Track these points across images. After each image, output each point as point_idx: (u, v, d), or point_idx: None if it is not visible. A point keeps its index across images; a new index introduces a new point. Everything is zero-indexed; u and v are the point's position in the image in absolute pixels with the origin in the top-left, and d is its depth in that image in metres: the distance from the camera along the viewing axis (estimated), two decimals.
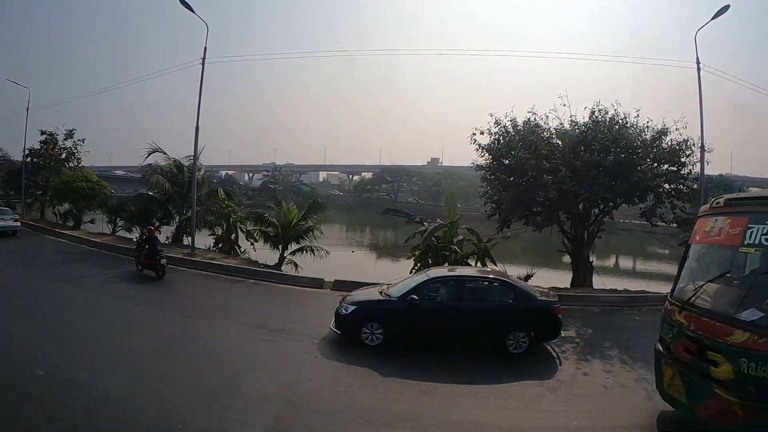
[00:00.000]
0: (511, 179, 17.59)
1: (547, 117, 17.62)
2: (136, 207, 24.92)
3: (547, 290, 11.90)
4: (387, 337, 10.32)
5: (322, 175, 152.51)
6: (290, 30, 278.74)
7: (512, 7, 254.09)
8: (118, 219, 26.80)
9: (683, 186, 17.39)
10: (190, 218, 21.44)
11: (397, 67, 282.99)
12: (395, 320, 10.39)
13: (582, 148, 16.68)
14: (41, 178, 37.72)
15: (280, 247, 20.85)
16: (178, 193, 23.52)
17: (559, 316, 10.50)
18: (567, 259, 19.51)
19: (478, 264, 18.21)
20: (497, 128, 17.68)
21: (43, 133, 36.88)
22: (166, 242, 23.94)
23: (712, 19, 18.35)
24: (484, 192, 18.77)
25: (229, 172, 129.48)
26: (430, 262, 17.94)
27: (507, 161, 17.41)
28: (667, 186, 17.43)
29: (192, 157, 23.07)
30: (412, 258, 19.09)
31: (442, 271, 12.67)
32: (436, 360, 9.83)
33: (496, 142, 17.62)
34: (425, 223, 19.71)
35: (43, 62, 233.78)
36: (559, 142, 17.49)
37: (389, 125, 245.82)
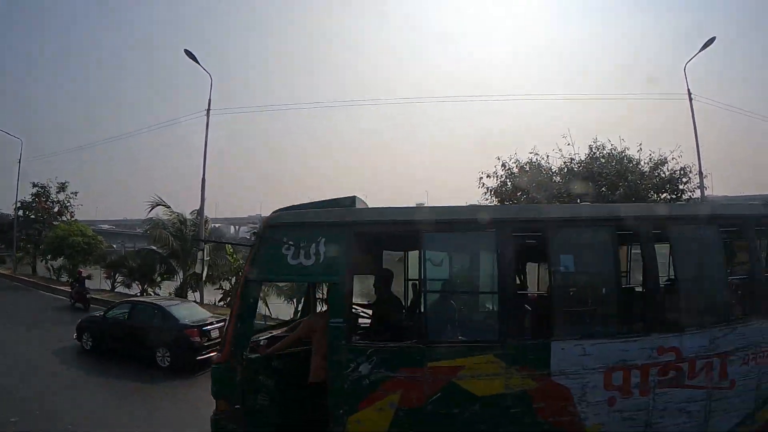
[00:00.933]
0: None
1: (548, 156, 17.93)
2: (137, 262, 24.19)
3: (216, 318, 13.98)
4: (95, 344, 13.62)
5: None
6: (269, 80, 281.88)
7: (500, 45, 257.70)
8: (117, 275, 25.98)
9: None
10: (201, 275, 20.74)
11: (377, 113, 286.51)
12: (97, 332, 13.72)
13: (590, 184, 16.66)
14: (33, 232, 36.76)
15: (295, 300, 20.12)
16: (182, 248, 22.81)
17: (193, 338, 12.49)
18: None
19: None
20: (504, 171, 17.88)
21: (35, 185, 36.33)
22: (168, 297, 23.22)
23: (700, 50, 18.85)
24: None
25: (216, 225, 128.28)
26: None
27: (515, 202, 17.30)
28: None
29: (195, 211, 22.83)
30: None
31: (138, 298, 17.94)
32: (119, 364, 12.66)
33: (503, 185, 17.71)
34: None
35: (27, 114, 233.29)
36: (559, 180, 17.61)
37: (374, 172, 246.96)
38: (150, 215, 23.86)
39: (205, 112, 21.21)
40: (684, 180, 17.25)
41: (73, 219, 36.06)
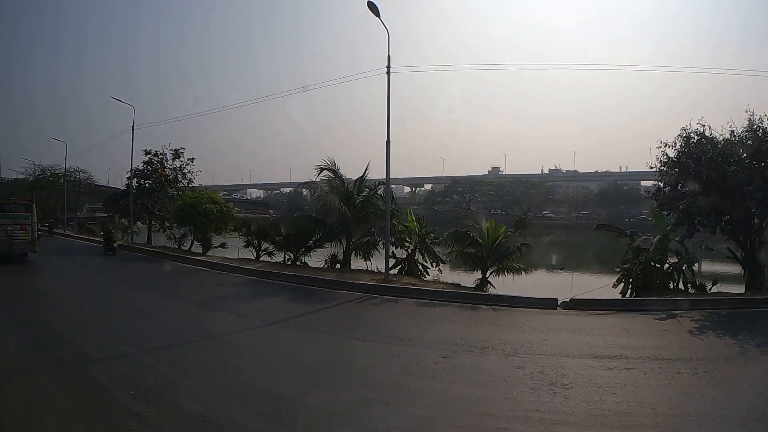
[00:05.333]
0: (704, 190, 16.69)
1: (710, 128, 17.25)
2: (294, 229, 22.83)
3: None
4: None
5: (381, 187, 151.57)
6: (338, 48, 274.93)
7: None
8: (263, 243, 24.74)
9: None
10: (374, 241, 19.34)
11: (456, 77, 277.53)
12: None
13: None
14: (149, 200, 36.32)
15: (482, 267, 18.71)
16: (351, 215, 21.20)
17: None
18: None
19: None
20: (683, 141, 17.31)
21: (147, 153, 35.75)
22: (324, 267, 21.82)
23: None
24: (659, 204, 18.20)
25: (289, 190, 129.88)
26: (639, 274, 17.07)
27: (704, 174, 16.37)
28: None
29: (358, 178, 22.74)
30: (620, 273, 17.86)
31: None
32: None
33: (682, 155, 17.11)
34: (634, 238, 18.71)
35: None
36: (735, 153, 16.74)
37: (449, 136, 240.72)
38: (317, 179, 22.68)
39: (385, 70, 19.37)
40: None
41: (191, 185, 35.61)
